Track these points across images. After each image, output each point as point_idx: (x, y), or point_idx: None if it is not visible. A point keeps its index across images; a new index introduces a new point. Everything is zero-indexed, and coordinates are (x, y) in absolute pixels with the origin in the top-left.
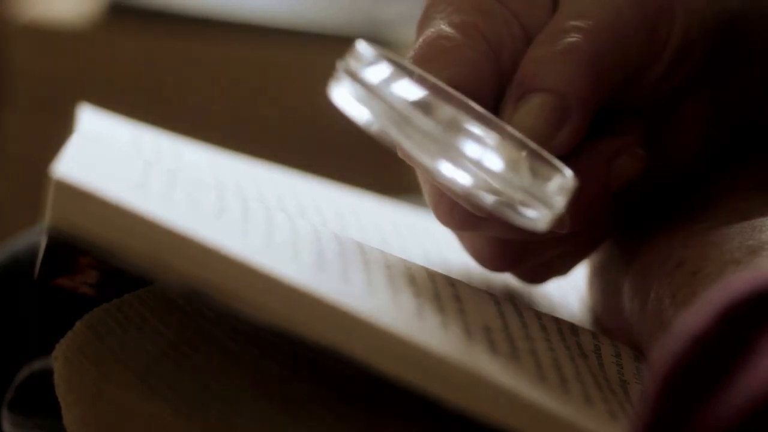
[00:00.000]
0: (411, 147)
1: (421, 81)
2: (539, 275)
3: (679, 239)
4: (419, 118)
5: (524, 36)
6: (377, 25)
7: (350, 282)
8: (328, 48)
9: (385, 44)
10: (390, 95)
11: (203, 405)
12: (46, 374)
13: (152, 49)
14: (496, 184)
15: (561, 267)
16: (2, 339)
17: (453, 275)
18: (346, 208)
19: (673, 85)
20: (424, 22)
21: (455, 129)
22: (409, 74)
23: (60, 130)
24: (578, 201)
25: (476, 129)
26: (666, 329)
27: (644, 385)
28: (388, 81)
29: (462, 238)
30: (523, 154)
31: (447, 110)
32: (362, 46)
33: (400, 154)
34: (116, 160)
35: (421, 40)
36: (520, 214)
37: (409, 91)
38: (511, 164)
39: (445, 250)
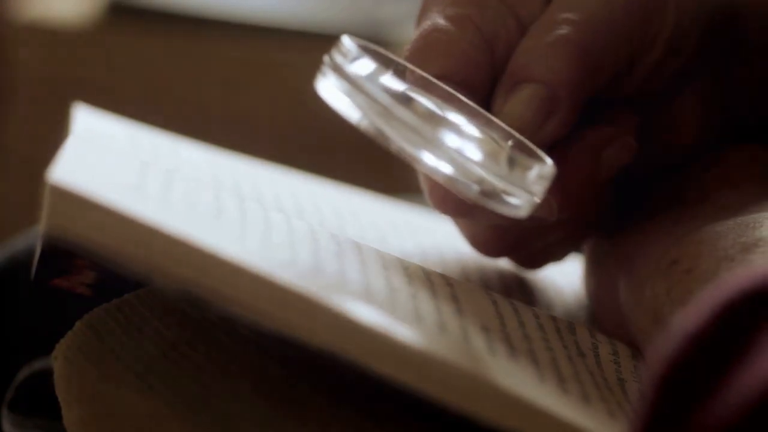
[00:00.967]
0: (395, 138)
1: (407, 74)
2: (535, 261)
3: (673, 237)
4: (400, 111)
5: (518, 28)
6: (377, 25)
7: (347, 285)
8: (328, 48)
9: (385, 44)
10: (373, 89)
11: (203, 405)
12: (46, 374)
13: (152, 49)
14: (476, 173)
15: (556, 253)
16: (2, 339)
17: (450, 273)
18: (345, 207)
19: (666, 77)
20: (422, 15)
21: (435, 121)
22: (395, 67)
23: (60, 130)
24: (567, 189)
25: (458, 119)
26: (662, 326)
27: (642, 384)
28: (373, 75)
29: (459, 225)
30: (503, 143)
31: (426, 102)
32: (347, 41)
33: (382, 146)
34: (112, 161)
35: (417, 33)
36: (501, 201)
37: (391, 84)
38: (491, 153)
39: (443, 247)
